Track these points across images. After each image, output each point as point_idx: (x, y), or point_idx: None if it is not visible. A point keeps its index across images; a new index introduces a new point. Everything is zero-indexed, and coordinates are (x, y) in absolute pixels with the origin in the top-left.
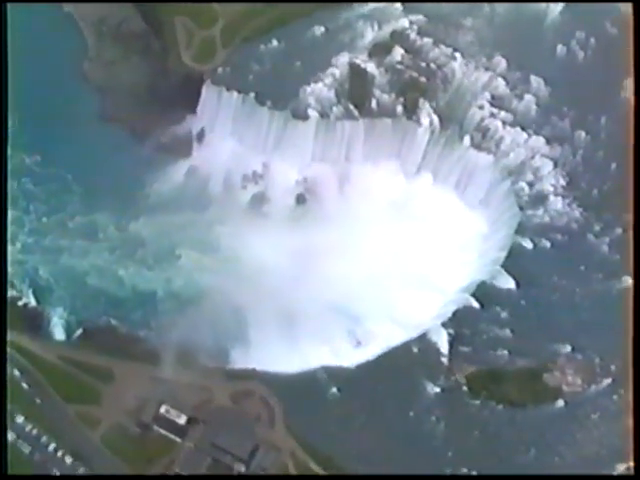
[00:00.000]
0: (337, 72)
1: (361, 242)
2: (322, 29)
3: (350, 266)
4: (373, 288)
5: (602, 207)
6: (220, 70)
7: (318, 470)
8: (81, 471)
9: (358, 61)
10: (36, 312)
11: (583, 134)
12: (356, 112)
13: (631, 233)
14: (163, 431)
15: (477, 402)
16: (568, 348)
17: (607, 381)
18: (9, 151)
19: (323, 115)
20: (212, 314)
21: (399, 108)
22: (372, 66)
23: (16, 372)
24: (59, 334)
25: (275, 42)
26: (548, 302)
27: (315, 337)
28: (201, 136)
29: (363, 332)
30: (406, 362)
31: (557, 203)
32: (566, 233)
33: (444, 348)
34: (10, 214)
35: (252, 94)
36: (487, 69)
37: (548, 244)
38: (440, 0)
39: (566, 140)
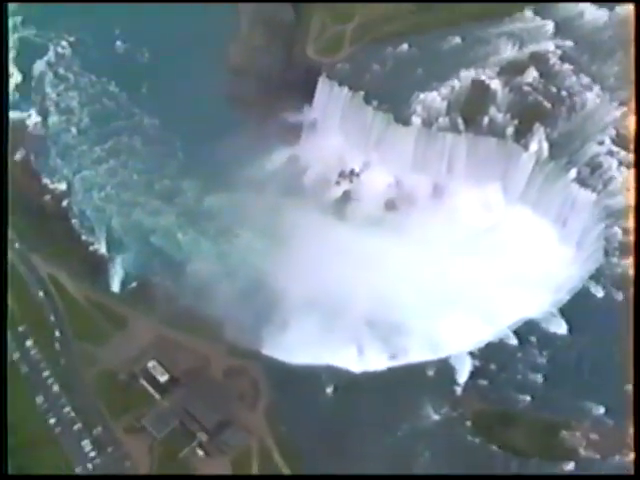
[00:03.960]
0: (457, 85)
1: (433, 259)
2: (458, 40)
3: (411, 280)
4: (426, 306)
5: None
6: (339, 65)
7: (279, 462)
8: (62, 401)
9: (483, 77)
10: (101, 260)
11: None
12: (462, 126)
13: None
14: (146, 384)
15: (476, 440)
16: (601, 410)
17: (633, 456)
18: (135, 110)
19: (426, 124)
20: (254, 294)
21: (510, 130)
22: (497, 83)
23: (41, 295)
24: (115, 284)
25: (405, 46)
26: (596, 357)
27: (350, 337)
28: (311, 127)
29: (399, 346)
30: (415, 382)
31: None
32: None
33: (462, 378)
34: (107, 165)
35: (362, 92)
36: (622, 104)
37: (621, 297)
38: (453, 0)
39: None
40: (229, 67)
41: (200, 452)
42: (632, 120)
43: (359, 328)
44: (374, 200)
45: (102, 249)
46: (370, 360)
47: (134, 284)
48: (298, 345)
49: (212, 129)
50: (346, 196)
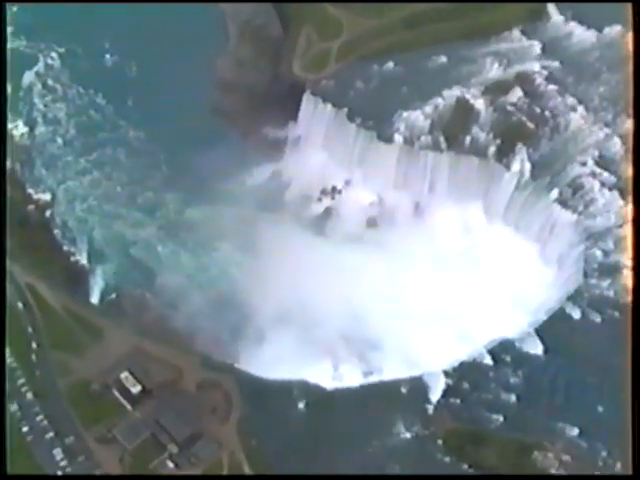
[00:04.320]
0: (441, 103)
1: (412, 277)
2: (444, 59)
3: (388, 297)
4: (402, 323)
5: None
6: (324, 82)
7: (248, 474)
8: (35, 410)
9: (468, 96)
10: (82, 270)
11: None
12: (444, 145)
13: None
14: (118, 395)
15: (447, 459)
16: (575, 432)
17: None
18: (121, 122)
19: (408, 142)
20: (231, 308)
21: (492, 149)
22: (481, 103)
23: (20, 306)
24: (95, 295)
25: (391, 64)
26: (571, 378)
27: (325, 353)
28: (295, 144)
29: (375, 362)
30: (387, 399)
31: (629, 279)
32: (626, 313)
33: (435, 396)
34: (91, 176)
35: (345, 109)
36: (608, 126)
37: (599, 319)
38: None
39: None
40: (216, 81)
41: (170, 464)
42: (616, 142)
43: (335, 344)
44: (355, 217)
45: (83, 260)
46: (345, 376)
47: (113, 295)
48: (273, 360)
49: (197, 142)
50: (327, 213)
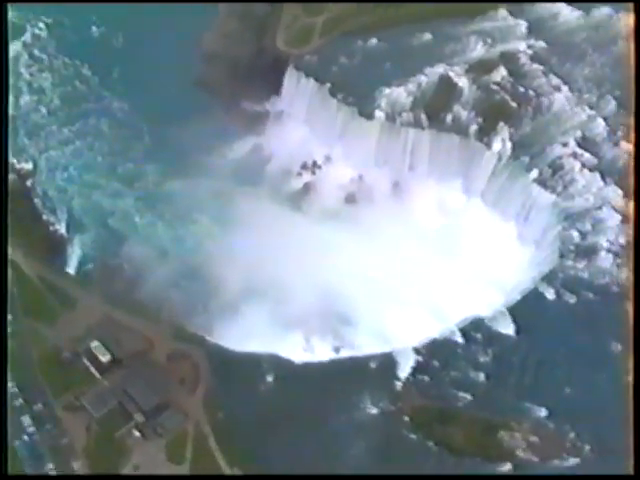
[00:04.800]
0: (424, 81)
1: (388, 254)
2: (428, 36)
3: (363, 273)
4: (376, 299)
5: None
6: (307, 57)
7: (213, 447)
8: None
9: (451, 74)
10: (60, 240)
11: None
12: (425, 122)
13: None
14: (88, 364)
15: (414, 436)
16: (543, 412)
17: (574, 461)
18: (105, 93)
19: (390, 118)
20: (210, 281)
21: (473, 128)
22: (465, 81)
23: None
24: (72, 265)
25: (375, 40)
26: (542, 359)
27: (298, 327)
28: (278, 118)
29: (347, 337)
30: (356, 374)
31: (606, 261)
32: (601, 294)
33: (403, 373)
34: (73, 146)
35: (328, 85)
36: (592, 107)
37: (573, 300)
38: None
39: None
40: (202, 55)
41: (136, 433)
42: (599, 123)
43: (307, 318)
44: (334, 193)
45: (62, 229)
46: (316, 350)
47: (90, 265)
48: (245, 333)
49: (180, 114)
50: (306, 188)
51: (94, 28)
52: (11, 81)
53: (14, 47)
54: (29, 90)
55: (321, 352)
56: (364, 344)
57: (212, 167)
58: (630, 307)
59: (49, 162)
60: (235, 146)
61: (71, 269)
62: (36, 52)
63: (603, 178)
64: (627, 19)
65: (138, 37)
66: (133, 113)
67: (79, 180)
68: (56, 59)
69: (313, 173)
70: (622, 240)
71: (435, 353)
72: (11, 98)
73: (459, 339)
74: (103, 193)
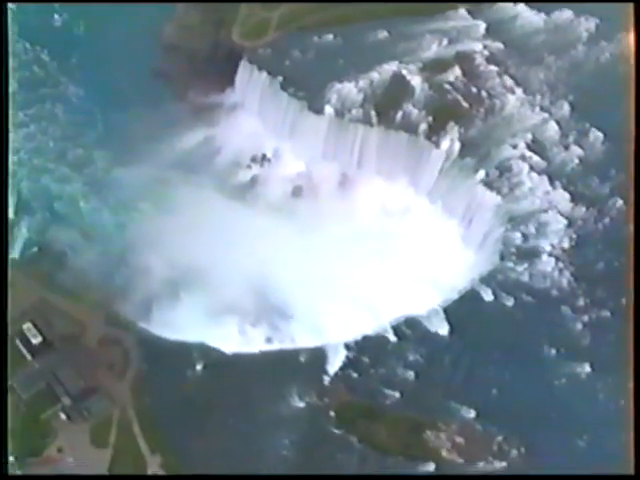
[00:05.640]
0: (377, 78)
1: (329, 248)
2: (385, 33)
3: (300, 266)
4: (314, 293)
5: (598, 284)
6: (261, 50)
7: (137, 433)
8: None
9: (405, 72)
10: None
11: (620, 202)
12: (375, 119)
13: None
14: (20, 346)
15: (337, 431)
16: (472, 414)
17: (500, 464)
18: (63, 79)
19: (339, 114)
20: (146, 268)
21: (423, 126)
22: (418, 80)
23: None
24: (17, 249)
25: (330, 36)
26: (474, 361)
27: (233, 317)
28: (231, 110)
29: (283, 331)
30: (286, 367)
31: (547, 265)
32: (539, 298)
33: (332, 368)
34: (27, 130)
35: (280, 78)
36: (544, 111)
37: (511, 302)
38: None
39: (597, 204)
40: (161, 46)
41: (63, 416)
42: (552, 126)
43: (242, 309)
44: (282, 186)
45: (10, 213)
46: (250, 341)
47: (35, 249)
48: (179, 321)
49: (134, 103)
50: (254, 180)
51: (56, 16)
52: None
53: None
54: None
55: (255, 343)
56: (299, 337)
57: (161, 156)
58: (568, 310)
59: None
60: (187, 136)
61: (15, 253)
62: None
63: (551, 182)
64: (587, 24)
65: (100, 26)
66: (88, 99)
67: (29, 164)
68: (17, 43)
69: (262, 166)
70: (565, 244)
71: (366, 350)
72: None
73: (391, 337)
74: (52, 177)
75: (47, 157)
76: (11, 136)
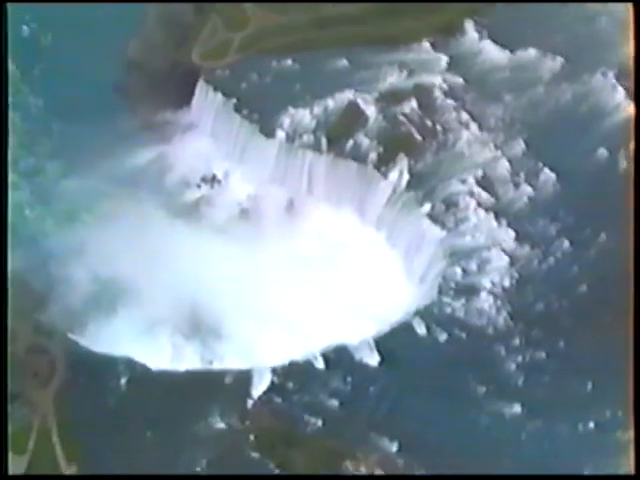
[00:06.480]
0: (332, 105)
1: (267, 272)
2: (345, 62)
3: (238, 290)
4: (247, 315)
5: (536, 323)
6: (219, 72)
7: (56, 442)
8: None
9: (360, 101)
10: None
11: (566, 244)
12: (325, 146)
13: None
14: None
15: (255, 455)
16: (394, 447)
17: None
18: (24, 88)
19: (290, 139)
20: (83, 280)
21: (372, 156)
22: (372, 109)
23: None
24: None
25: (289, 62)
26: (401, 393)
27: (166, 334)
28: (186, 129)
29: (216, 352)
30: (210, 387)
31: (485, 302)
32: (474, 335)
33: (257, 391)
34: None
35: (234, 100)
36: (498, 148)
37: (444, 337)
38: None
39: (541, 245)
40: (125, 61)
41: None
42: (503, 164)
43: (175, 327)
44: (228, 208)
45: None
46: (185, 360)
47: None
48: (115, 335)
49: (92, 117)
50: (201, 201)
51: (25, 27)
52: None
53: None
54: None
55: (186, 360)
56: (228, 358)
57: (111, 170)
58: (502, 349)
59: None
60: (139, 153)
61: None
62: None
63: (497, 219)
64: (552, 64)
65: (67, 38)
66: (47, 111)
67: None
68: None
69: (212, 187)
70: (506, 283)
71: (292, 375)
72: None
73: (319, 364)
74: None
75: None
76: None
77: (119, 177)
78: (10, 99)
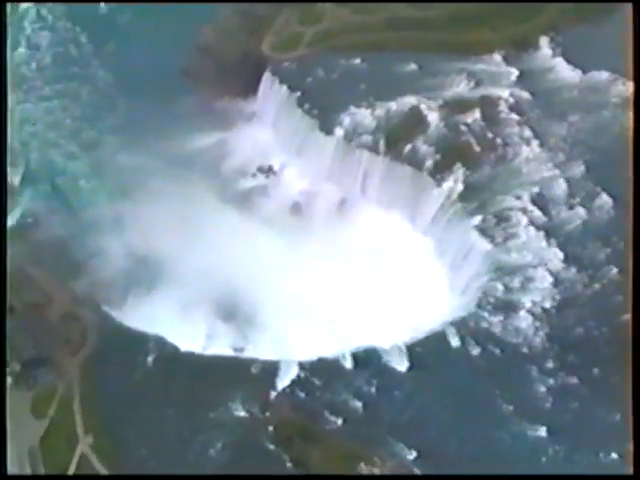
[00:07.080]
0: (394, 107)
1: (312, 269)
2: (414, 66)
3: (280, 283)
4: (286, 308)
5: (573, 348)
6: (286, 64)
7: (76, 410)
8: None
9: (423, 107)
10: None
11: (614, 271)
12: (382, 148)
13: None
14: None
15: (272, 447)
16: (412, 455)
17: None
18: (95, 62)
19: (348, 137)
20: (134, 258)
21: (429, 163)
22: (434, 117)
23: None
24: (15, 216)
25: (358, 60)
26: (425, 402)
27: (203, 318)
28: (249, 118)
29: (250, 339)
30: (236, 375)
31: (523, 321)
32: (507, 352)
33: (281, 384)
34: (49, 103)
35: (297, 93)
36: (557, 167)
37: (477, 351)
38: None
39: (589, 269)
40: (197, 45)
41: (9, 380)
42: (561, 184)
43: (211, 312)
44: (281, 200)
45: (15, 182)
46: (216, 342)
47: (30, 219)
48: (153, 313)
49: (158, 97)
50: (255, 190)
51: (102, 5)
52: (13, 34)
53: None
54: (27, 44)
55: (220, 346)
56: (260, 347)
57: (170, 151)
58: (534, 370)
59: (22, 114)
60: (200, 137)
61: (11, 220)
62: (43, 11)
63: (547, 238)
64: (622, 88)
65: (142, 19)
66: (114, 86)
67: (42, 136)
68: (60, 21)
69: (267, 177)
70: (547, 304)
71: (318, 371)
72: (8, 50)
73: (347, 364)
74: (60, 152)
75: (61, 133)
76: (32, 107)
77: (175, 158)
78: (79, 70)
